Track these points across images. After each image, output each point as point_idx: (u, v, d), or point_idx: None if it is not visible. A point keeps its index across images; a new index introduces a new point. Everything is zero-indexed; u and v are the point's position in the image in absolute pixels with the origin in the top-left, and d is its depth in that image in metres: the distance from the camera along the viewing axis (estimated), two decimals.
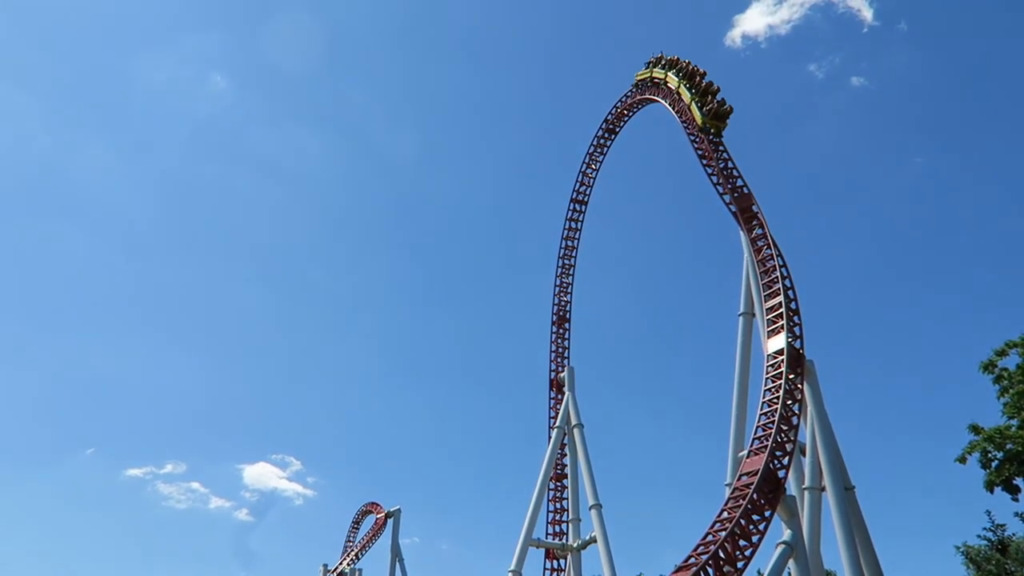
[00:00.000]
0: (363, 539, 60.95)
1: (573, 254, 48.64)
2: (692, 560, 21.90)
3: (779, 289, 31.26)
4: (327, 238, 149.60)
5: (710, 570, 21.33)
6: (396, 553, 57.00)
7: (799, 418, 27.65)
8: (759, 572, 36.98)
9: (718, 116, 37.68)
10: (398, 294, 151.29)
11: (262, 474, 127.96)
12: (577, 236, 48.82)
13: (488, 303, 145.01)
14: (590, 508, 38.56)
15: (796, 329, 30.34)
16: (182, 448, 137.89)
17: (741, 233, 34.91)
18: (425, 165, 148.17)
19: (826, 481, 27.77)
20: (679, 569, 21.75)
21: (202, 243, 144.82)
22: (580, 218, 48.95)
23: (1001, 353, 27.26)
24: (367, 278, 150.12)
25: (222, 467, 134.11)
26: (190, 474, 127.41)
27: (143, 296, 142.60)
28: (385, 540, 58.59)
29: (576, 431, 41.27)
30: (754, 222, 34.32)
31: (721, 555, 21.79)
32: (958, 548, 40.44)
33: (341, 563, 60.68)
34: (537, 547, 40.64)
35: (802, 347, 29.96)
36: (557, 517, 42.66)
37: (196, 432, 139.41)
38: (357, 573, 59.34)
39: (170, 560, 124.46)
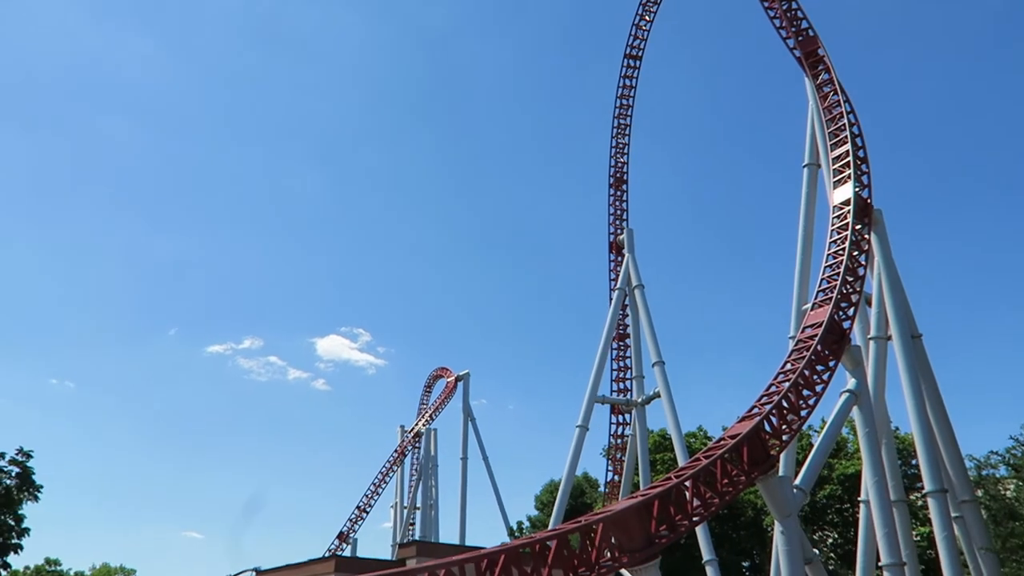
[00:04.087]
0: (435, 402, 64.12)
1: (628, 113, 47.19)
2: (755, 410, 22.33)
3: (846, 137, 30.02)
4: (378, 116, 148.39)
5: (773, 419, 21.74)
6: (468, 414, 59.96)
7: (865, 268, 27.24)
8: (823, 420, 37.67)
9: None
10: (454, 164, 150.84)
11: (333, 346, 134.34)
12: (632, 95, 47.15)
13: (544, 168, 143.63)
14: (653, 365, 39.47)
15: (864, 178, 29.33)
16: (257, 324, 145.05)
17: (806, 79, 33.23)
18: (470, 32, 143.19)
19: (892, 330, 27.63)
20: (742, 419, 22.22)
21: (258, 128, 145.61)
22: (635, 75, 47.05)
23: None
24: (421, 151, 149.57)
25: (296, 341, 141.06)
26: (268, 348, 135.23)
27: (206, 183, 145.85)
28: (456, 402, 61.64)
29: (637, 291, 41.63)
30: (820, 67, 32.54)
31: (784, 404, 22.16)
32: None
33: (417, 424, 64.26)
34: (602, 403, 42.15)
35: (870, 196, 29.08)
36: (621, 375, 43.88)
37: (268, 308, 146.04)
38: (432, 433, 62.87)
39: (258, 429, 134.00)
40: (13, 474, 36.28)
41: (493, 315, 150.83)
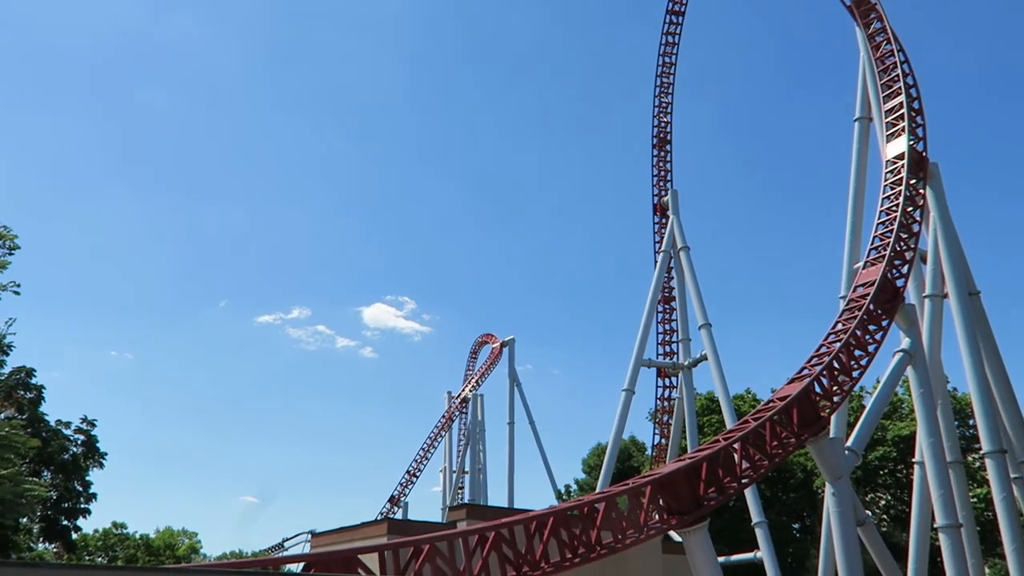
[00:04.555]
0: (481, 368, 64.52)
1: (671, 71, 46.16)
2: (806, 371, 21.97)
3: (900, 88, 28.94)
4: (417, 82, 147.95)
5: (824, 380, 21.38)
6: (514, 379, 60.28)
7: (920, 224, 26.41)
8: (878, 380, 36.95)
9: None
10: (496, 128, 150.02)
11: (380, 314, 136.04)
12: (675, 52, 46.08)
13: (587, 129, 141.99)
14: (699, 328, 39.07)
15: (919, 130, 28.30)
16: (305, 294, 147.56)
17: (857, 29, 32.04)
18: None
19: (948, 287, 26.84)
20: (792, 381, 21.91)
21: (300, 99, 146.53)
22: (677, 31, 45.95)
23: None
24: (462, 116, 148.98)
25: (343, 310, 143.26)
26: (315, 318, 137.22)
27: (251, 155, 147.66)
28: (502, 368, 61.98)
29: (682, 254, 41.08)
30: (872, 15, 31.30)
31: (835, 365, 21.76)
32: None
33: (463, 390, 64.88)
34: (648, 367, 41.96)
35: (925, 149, 28.08)
36: (667, 338, 43.59)
37: (315, 278, 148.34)
38: (479, 398, 63.45)
39: (308, 397, 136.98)
40: (79, 442, 37.77)
41: (537, 280, 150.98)
